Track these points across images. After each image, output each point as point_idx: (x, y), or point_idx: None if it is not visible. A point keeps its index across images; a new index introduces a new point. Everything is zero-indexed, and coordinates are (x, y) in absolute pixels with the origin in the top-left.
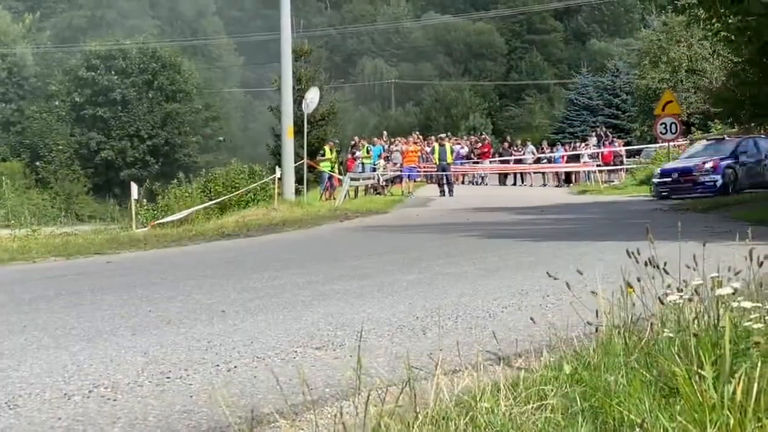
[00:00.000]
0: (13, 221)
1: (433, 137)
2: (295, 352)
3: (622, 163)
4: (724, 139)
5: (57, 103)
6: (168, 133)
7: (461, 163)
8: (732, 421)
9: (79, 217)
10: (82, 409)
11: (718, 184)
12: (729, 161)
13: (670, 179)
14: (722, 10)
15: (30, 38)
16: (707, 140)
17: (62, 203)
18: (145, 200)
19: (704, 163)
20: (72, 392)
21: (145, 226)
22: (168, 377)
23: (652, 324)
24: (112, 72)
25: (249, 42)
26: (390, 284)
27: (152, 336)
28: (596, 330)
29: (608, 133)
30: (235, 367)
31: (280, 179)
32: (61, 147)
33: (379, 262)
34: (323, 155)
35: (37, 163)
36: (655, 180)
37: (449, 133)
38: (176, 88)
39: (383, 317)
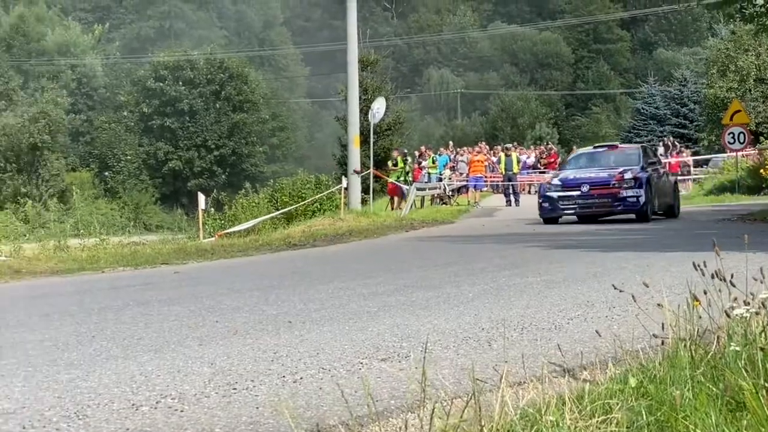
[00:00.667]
0: (82, 231)
1: (499, 147)
2: (361, 363)
3: (689, 173)
4: (616, 146)
5: (125, 113)
6: (235, 143)
7: (527, 173)
8: None
9: (147, 227)
10: (149, 420)
11: (642, 200)
12: (646, 173)
13: (578, 193)
14: None
15: (99, 49)
16: (594, 147)
17: (130, 213)
18: (212, 210)
19: (623, 173)
20: (140, 403)
21: (212, 236)
22: (234, 388)
23: (718, 337)
24: (180, 82)
25: (315, 52)
26: (455, 295)
27: (219, 347)
28: (662, 343)
29: (676, 142)
30: (301, 378)
31: (346, 189)
32: (129, 157)
33: (444, 273)
34: (396, 164)
35: (106, 173)
36: (554, 194)
37: (515, 143)
38: (243, 99)
39: (449, 328)
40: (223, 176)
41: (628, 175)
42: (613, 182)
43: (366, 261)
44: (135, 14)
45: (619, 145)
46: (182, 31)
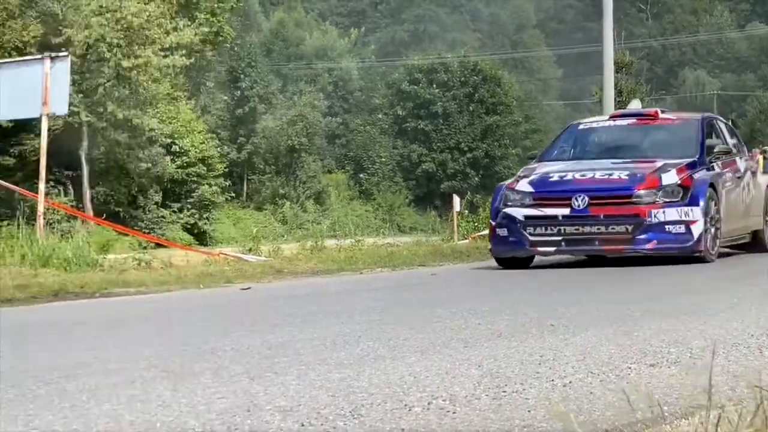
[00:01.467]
0: (338, 232)
1: (757, 150)
2: (629, 368)
3: None
4: (655, 114)
5: (380, 116)
6: (488, 145)
7: None
8: None
9: (401, 228)
10: (423, 421)
11: (696, 229)
12: (708, 172)
13: (566, 211)
14: None
15: (355, 53)
16: (611, 116)
17: (384, 214)
18: (466, 212)
19: (659, 171)
20: (412, 403)
21: (465, 238)
22: (504, 391)
23: None
24: (434, 85)
25: (569, 54)
26: (719, 300)
27: (484, 349)
28: None
29: None
30: (570, 382)
31: None
32: (383, 159)
33: (707, 277)
34: None
35: (361, 175)
36: (517, 211)
37: None
38: (496, 101)
39: (716, 334)
40: (476, 178)
41: (668, 178)
42: (636, 190)
43: (622, 265)
44: (390, 18)
45: (661, 114)
46: (436, 34)
